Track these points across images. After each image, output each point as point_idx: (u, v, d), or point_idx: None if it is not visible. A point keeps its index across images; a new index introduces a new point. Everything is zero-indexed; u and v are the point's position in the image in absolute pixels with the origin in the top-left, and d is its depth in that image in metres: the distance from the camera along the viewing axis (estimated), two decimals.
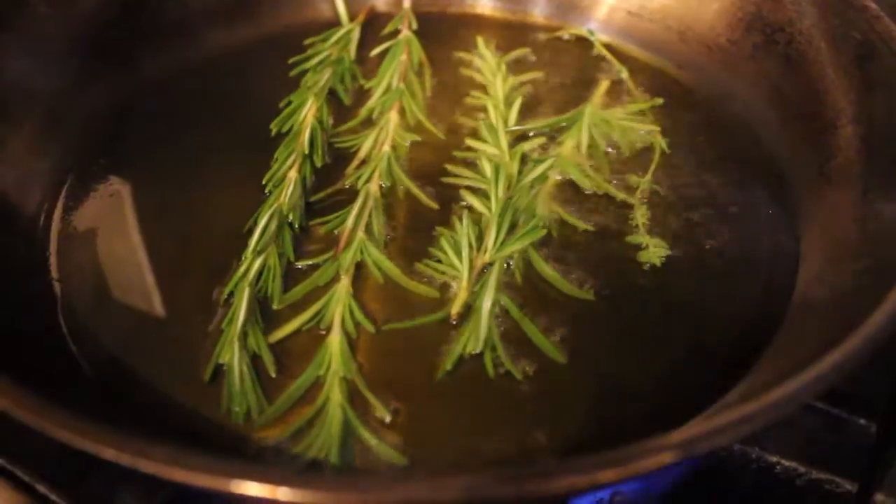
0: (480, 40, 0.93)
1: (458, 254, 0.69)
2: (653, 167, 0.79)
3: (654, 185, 0.77)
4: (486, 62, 0.91)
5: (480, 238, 0.70)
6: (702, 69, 0.88)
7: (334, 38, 0.93)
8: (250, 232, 0.71)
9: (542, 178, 0.77)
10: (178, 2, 0.92)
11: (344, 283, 0.67)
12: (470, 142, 0.81)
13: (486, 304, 0.65)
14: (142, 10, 0.90)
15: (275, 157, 0.79)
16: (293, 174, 0.76)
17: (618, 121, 0.83)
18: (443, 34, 0.96)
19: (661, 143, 0.81)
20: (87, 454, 0.44)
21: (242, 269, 0.68)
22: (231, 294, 0.67)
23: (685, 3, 0.90)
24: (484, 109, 0.85)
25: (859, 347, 0.49)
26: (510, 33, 0.96)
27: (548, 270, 0.69)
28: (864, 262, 0.62)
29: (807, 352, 0.52)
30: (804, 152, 0.76)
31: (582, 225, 0.73)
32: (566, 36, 0.95)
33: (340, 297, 0.66)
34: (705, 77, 0.88)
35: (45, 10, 0.82)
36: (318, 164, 0.79)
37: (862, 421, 0.59)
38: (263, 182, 0.76)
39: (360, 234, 0.71)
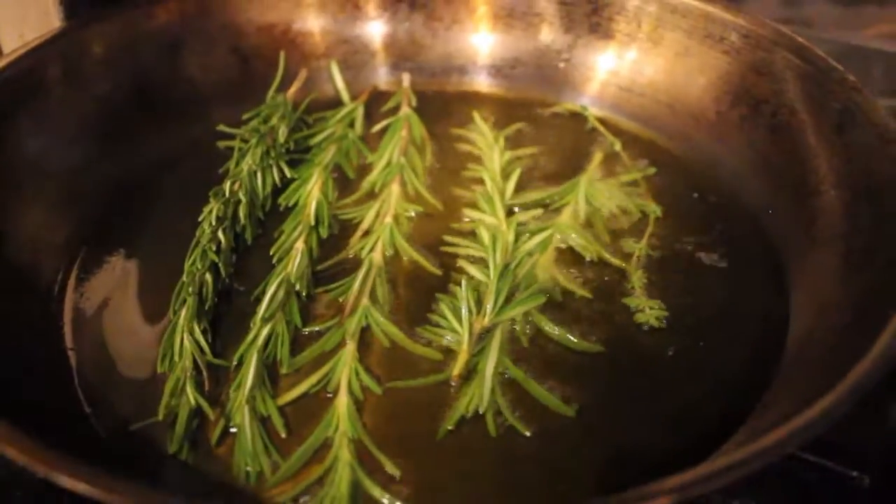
0: (477, 115, 0.97)
1: (459, 317, 0.71)
2: (647, 233, 0.82)
3: (648, 250, 0.80)
4: (482, 137, 0.94)
5: (480, 303, 0.73)
6: (691, 139, 0.92)
7: (339, 116, 0.97)
8: (258, 300, 0.74)
9: (542, 245, 0.79)
10: (187, 83, 0.97)
11: (350, 348, 0.70)
12: (468, 212, 0.84)
13: (489, 364, 0.67)
14: (153, 91, 0.94)
15: (282, 228, 0.82)
16: (300, 245, 0.79)
17: (613, 190, 0.86)
18: (441, 111, 1.00)
19: (654, 210, 0.84)
20: None
21: (251, 335, 0.70)
22: (241, 360, 0.69)
23: (673, 78, 0.95)
24: (481, 182, 0.88)
25: (842, 397, 0.51)
26: (506, 109, 1.00)
27: (551, 328, 0.72)
28: (849, 319, 0.65)
29: (797, 404, 0.54)
30: (791, 216, 0.79)
31: (580, 290, 0.75)
32: (561, 111, 0.99)
33: (346, 361, 0.68)
34: (695, 147, 0.91)
35: (61, 91, 0.87)
36: (324, 234, 0.82)
37: (855, 473, 0.60)
38: (271, 252, 0.79)
39: (365, 300, 0.74)
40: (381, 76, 1.05)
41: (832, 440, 0.52)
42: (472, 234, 0.82)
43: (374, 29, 1.04)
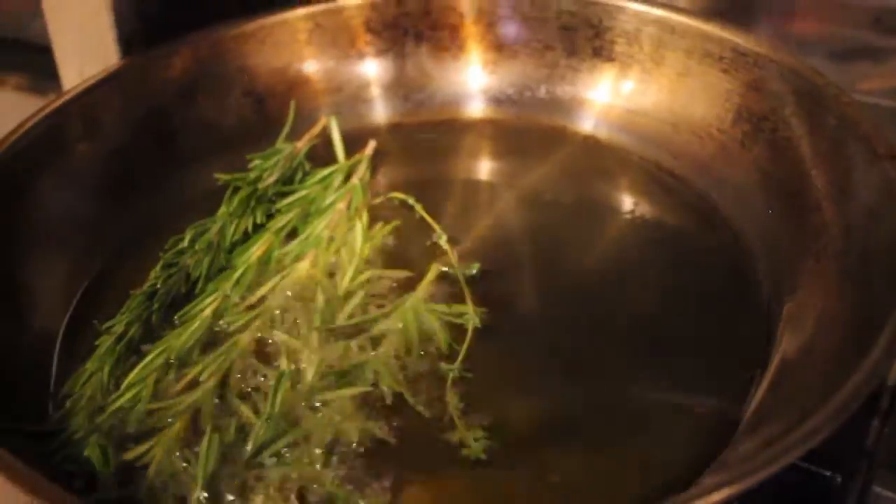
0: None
1: None
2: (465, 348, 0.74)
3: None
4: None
5: None
6: (695, 158, 0.93)
7: (316, 178, 0.94)
8: None
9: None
10: (205, 127, 1.00)
11: None
12: (276, 334, 0.76)
13: None
14: (173, 138, 0.98)
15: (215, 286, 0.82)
16: (207, 312, 0.80)
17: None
18: (448, 142, 1.04)
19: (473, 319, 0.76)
20: None
21: None
22: None
23: (676, 98, 0.96)
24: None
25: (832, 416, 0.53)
26: (513, 136, 1.03)
27: None
28: (846, 334, 0.66)
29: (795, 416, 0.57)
30: (792, 232, 0.80)
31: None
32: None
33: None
34: (699, 166, 0.92)
35: (84, 146, 0.91)
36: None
37: (828, 473, 0.64)
38: (175, 317, 0.80)
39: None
40: (395, 108, 1.08)
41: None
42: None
43: (383, 63, 1.07)
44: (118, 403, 0.71)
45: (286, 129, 0.99)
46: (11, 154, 0.84)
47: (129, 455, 0.67)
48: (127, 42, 1.00)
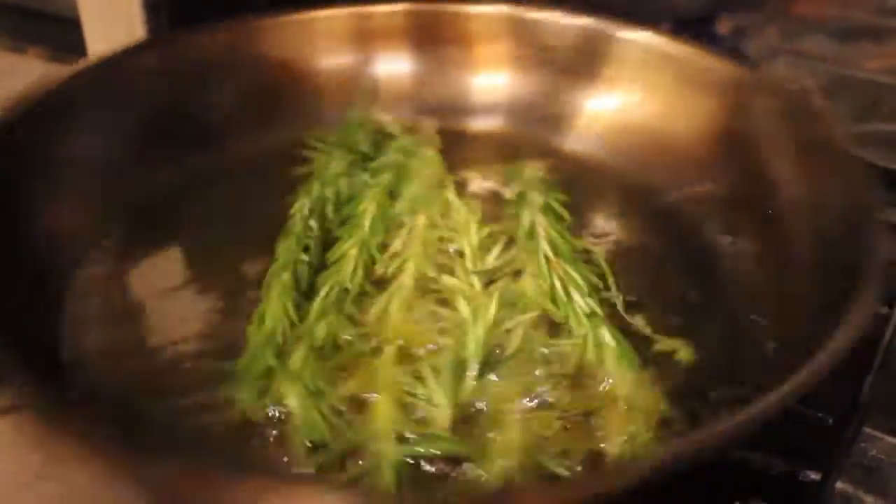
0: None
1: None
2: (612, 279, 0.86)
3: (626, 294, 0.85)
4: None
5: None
6: (680, 175, 1.00)
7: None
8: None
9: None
10: (216, 110, 1.06)
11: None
12: (446, 279, 0.84)
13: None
14: (187, 116, 1.04)
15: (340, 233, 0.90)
16: (353, 252, 0.87)
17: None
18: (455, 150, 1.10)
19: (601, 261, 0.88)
20: None
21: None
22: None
23: (662, 119, 1.05)
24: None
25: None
26: (511, 149, 1.10)
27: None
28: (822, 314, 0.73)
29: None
30: (761, 238, 0.88)
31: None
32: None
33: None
34: (681, 181, 1.00)
35: (106, 110, 0.96)
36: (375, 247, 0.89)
37: (821, 414, 0.70)
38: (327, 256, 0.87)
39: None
40: (397, 113, 1.15)
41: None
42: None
43: (389, 70, 1.16)
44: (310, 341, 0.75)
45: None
46: (54, 96, 0.89)
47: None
48: (153, 11, 1.05)
